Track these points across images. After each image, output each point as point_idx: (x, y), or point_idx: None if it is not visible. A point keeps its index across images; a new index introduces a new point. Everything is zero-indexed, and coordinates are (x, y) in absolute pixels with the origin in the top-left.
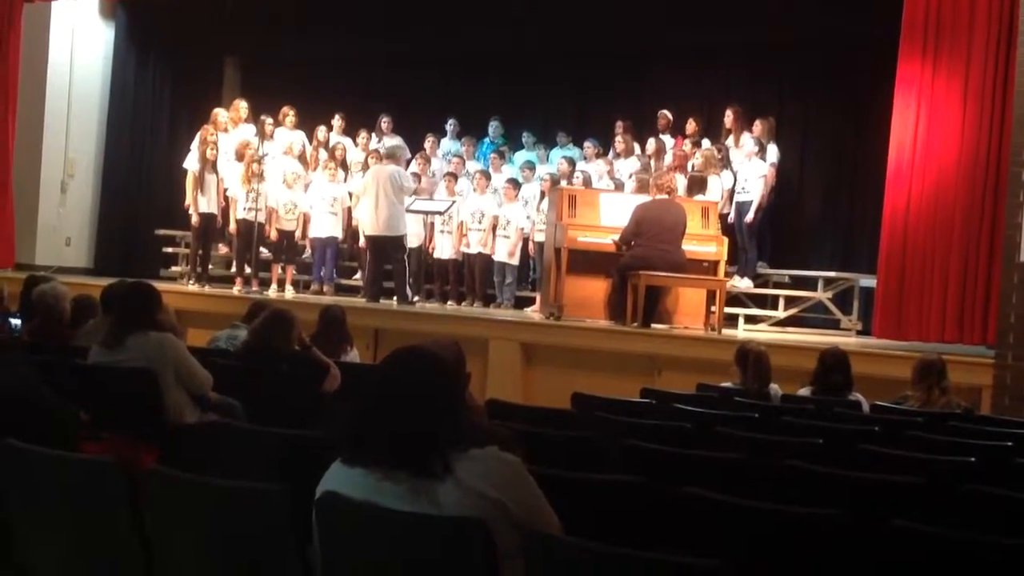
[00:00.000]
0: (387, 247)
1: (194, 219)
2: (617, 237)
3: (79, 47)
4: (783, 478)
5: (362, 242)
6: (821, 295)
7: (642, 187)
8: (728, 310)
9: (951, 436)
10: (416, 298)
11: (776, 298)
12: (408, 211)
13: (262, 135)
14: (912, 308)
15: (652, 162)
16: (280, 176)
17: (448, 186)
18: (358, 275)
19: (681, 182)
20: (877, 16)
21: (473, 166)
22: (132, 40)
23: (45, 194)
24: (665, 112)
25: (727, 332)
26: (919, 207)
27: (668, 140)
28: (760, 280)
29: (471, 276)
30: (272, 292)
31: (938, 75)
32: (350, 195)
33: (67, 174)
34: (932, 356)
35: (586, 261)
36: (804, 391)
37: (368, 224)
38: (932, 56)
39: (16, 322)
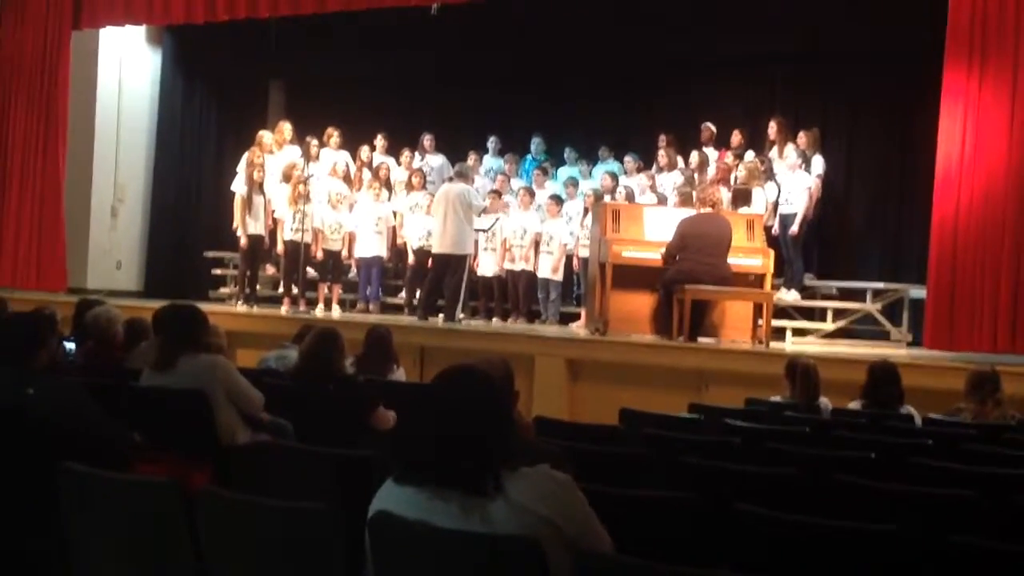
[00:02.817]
0: (450, 265)
1: (242, 241)
2: (662, 252)
3: (127, 73)
4: (835, 493)
5: (411, 260)
6: (870, 306)
7: (685, 201)
8: (775, 323)
9: (1006, 448)
10: (461, 315)
11: (824, 310)
12: None
13: (307, 156)
14: (963, 318)
15: (695, 175)
16: (325, 196)
17: (492, 203)
18: (403, 293)
19: (725, 195)
20: (922, 25)
21: (517, 183)
22: (179, 66)
23: (96, 219)
24: (708, 125)
25: (775, 345)
26: (968, 216)
27: (711, 153)
28: (807, 292)
29: (515, 293)
30: (319, 312)
31: (985, 83)
32: (394, 214)
33: (117, 199)
34: (985, 367)
35: (631, 276)
36: (854, 404)
37: (436, 242)
38: (978, 64)
39: (70, 346)
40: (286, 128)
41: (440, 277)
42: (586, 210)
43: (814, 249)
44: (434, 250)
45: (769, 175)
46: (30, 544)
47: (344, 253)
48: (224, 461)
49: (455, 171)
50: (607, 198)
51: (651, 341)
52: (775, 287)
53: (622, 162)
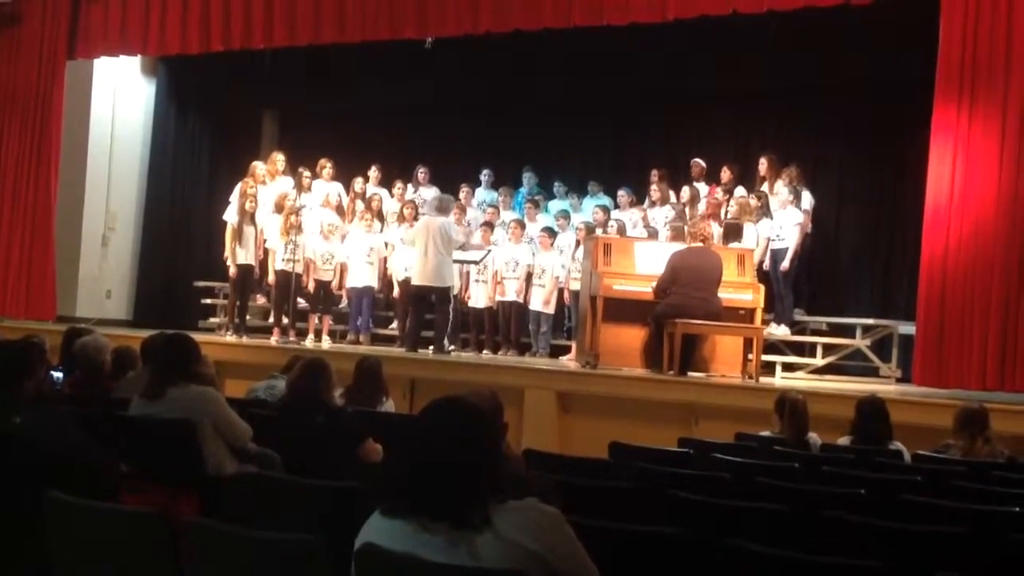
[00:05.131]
0: (433, 298)
1: (232, 271)
2: (653, 285)
3: (121, 103)
4: (825, 529)
5: (396, 292)
6: (859, 342)
7: (677, 235)
8: (765, 358)
9: (995, 486)
10: (451, 347)
11: (814, 345)
12: None
13: (300, 187)
14: (952, 355)
15: (686, 210)
16: (317, 227)
17: (484, 235)
18: (394, 324)
19: (716, 230)
20: (912, 61)
21: (508, 215)
22: (172, 96)
23: (86, 247)
24: (698, 160)
25: (764, 380)
26: (958, 252)
27: (702, 188)
28: (797, 327)
29: (506, 325)
30: (309, 342)
31: (975, 119)
32: (386, 245)
33: (108, 227)
34: (974, 404)
35: (621, 309)
36: (843, 440)
37: (416, 274)
38: (968, 100)
39: (57, 375)
40: (279, 159)
41: (420, 309)
42: (577, 243)
43: (804, 284)
44: (414, 282)
45: (765, 211)
46: (15, 572)
47: (335, 284)
48: (211, 492)
49: (436, 205)
50: (599, 231)
51: (641, 375)
52: (765, 322)
53: (614, 196)
